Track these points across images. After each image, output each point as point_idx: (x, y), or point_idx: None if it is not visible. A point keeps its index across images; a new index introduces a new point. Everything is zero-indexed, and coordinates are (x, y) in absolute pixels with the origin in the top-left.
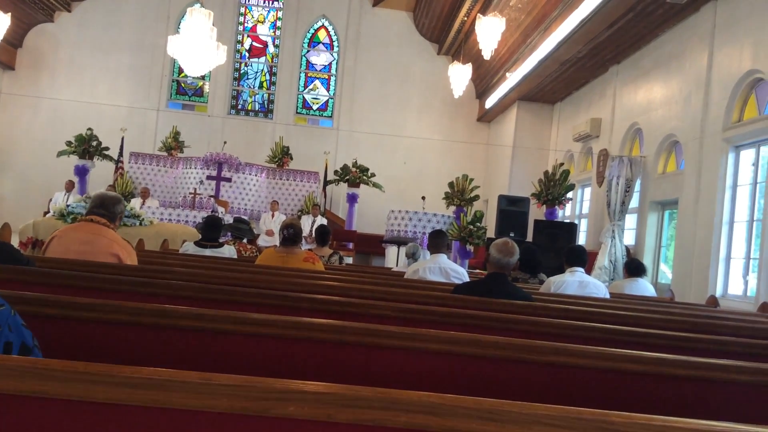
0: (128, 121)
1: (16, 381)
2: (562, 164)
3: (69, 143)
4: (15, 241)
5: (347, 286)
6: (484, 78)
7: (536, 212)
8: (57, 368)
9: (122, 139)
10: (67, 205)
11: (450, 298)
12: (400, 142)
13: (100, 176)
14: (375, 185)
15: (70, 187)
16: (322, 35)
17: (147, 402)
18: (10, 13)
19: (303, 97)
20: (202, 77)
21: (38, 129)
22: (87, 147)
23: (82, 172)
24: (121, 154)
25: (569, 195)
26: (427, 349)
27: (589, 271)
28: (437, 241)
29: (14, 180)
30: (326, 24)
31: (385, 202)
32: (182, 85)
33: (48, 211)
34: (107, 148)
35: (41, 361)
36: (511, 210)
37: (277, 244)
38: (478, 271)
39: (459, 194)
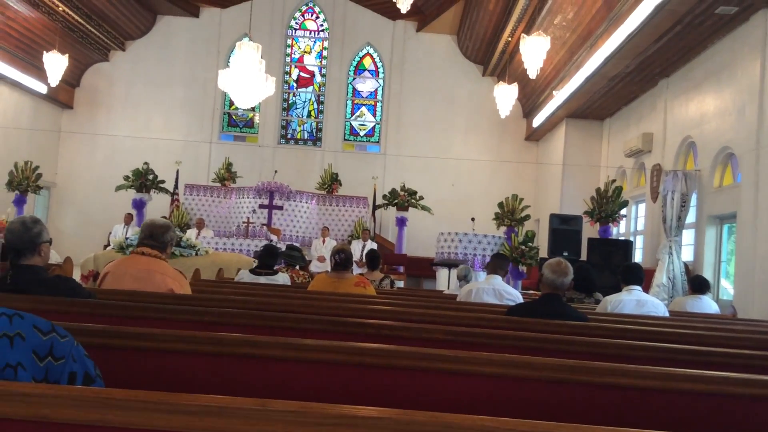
0: (182, 154)
1: (79, 410)
2: (614, 180)
3: (126, 177)
4: (77, 275)
5: (399, 309)
6: (531, 97)
7: (589, 230)
8: (118, 397)
9: (177, 171)
10: (126, 238)
11: (503, 320)
12: (447, 165)
13: (157, 209)
14: (424, 208)
15: (128, 220)
16: (367, 62)
17: (205, 429)
18: (67, 55)
19: (350, 123)
20: (252, 109)
21: (97, 165)
22: (144, 181)
23: (139, 205)
24: (176, 186)
25: (623, 212)
26: (480, 373)
27: (646, 289)
28: (498, 263)
29: (75, 215)
30: (371, 51)
31: (434, 225)
32: (233, 117)
33: (108, 244)
34: (163, 181)
35: (103, 390)
36: (564, 229)
37: (329, 269)
38: (531, 292)
39: (509, 214)
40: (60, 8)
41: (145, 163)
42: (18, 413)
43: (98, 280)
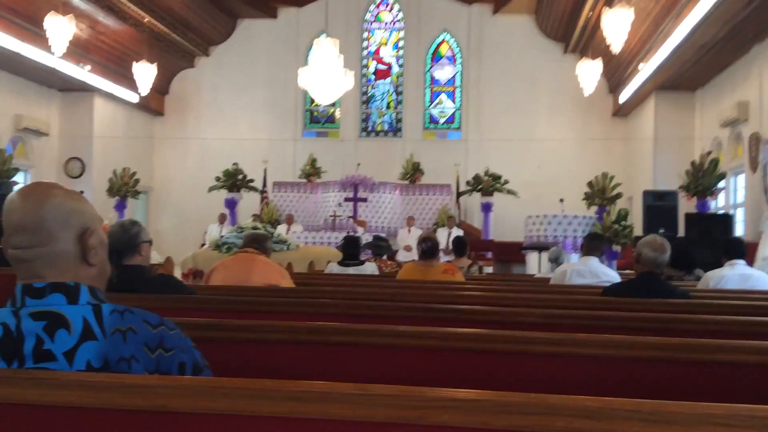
0: (268, 153)
1: (190, 399)
2: (710, 152)
3: (218, 179)
4: (177, 273)
5: (490, 295)
6: (616, 72)
7: (686, 206)
8: (226, 386)
9: (265, 170)
10: (221, 236)
11: (600, 301)
12: (531, 146)
13: (248, 207)
14: (509, 192)
15: (222, 219)
16: (444, 49)
17: (309, 414)
18: (155, 63)
19: (429, 112)
20: (333, 104)
21: (189, 168)
22: (234, 181)
23: (231, 204)
24: (264, 184)
25: (721, 184)
26: (578, 354)
27: (750, 264)
28: (593, 244)
29: (172, 216)
30: (447, 38)
31: (521, 209)
32: (315, 113)
33: (204, 243)
34: (252, 180)
35: (212, 379)
36: (658, 205)
37: (416, 258)
38: (628, 271)
39: (600, 193)
40: (146, 19)
41: (235, 164)
42: (135, 404)
43: (205, 277)
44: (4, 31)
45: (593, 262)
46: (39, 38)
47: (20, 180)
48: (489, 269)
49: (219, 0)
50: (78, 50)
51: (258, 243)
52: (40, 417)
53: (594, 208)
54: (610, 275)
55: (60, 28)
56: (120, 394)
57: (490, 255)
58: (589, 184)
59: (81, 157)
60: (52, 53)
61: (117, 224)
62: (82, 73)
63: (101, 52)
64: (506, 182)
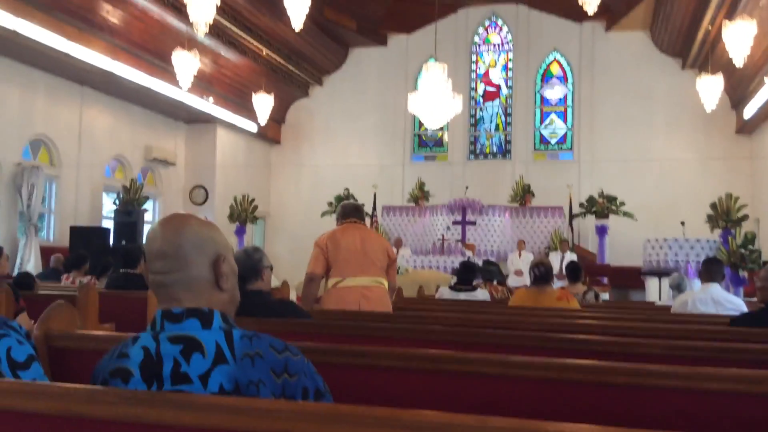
0: (378, 178)
1: (313, 424)
2: None
3: (330, 204)
4: (293, 296)
5: (607, 323)
6: (739, 87)
7: None
8: (347, 412)
9: (374, 195)
10: None
11: (728, 331)
12: (648, 166)
13: None
14: (626, 214)
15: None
16: (555, 69)
17: None
18: (273, 94)
19: (540, 133)
20: (441, 128)
21: (303, 194)
22: None
23: None
24: (374, 208)
25: None
26: (705, 390)
27: None
28: (711, 269)
29: (288, 241)
30: (558, 57)
31: (638, 231)
32: (423, 137)
33: None
34: (363, 204)
35: (333, 405)
36: None
37: (528, 283)
38: (756, 299)
39: (724, 215)
40: (264, 52)
41: (346, 189)
42: (263, 427)
43: (324, 243)
44: (136, 67)
45: (715, 288)
46: (167, 73)
47: (149, 208)
48: (605, 296)
49: (332, 31)
50: (202, 83)
51: (359, 213)
52: None
53: (718, 232)
54: (735, 303)
55: (186, 63)
56: (250, 417)
57: (606, 280)
58: (712, 205)
59: (204, 185)
60: (179, 87)
61: (241, 250)
62: (206, 105)
63: (223, 85)
64: (622, 204)
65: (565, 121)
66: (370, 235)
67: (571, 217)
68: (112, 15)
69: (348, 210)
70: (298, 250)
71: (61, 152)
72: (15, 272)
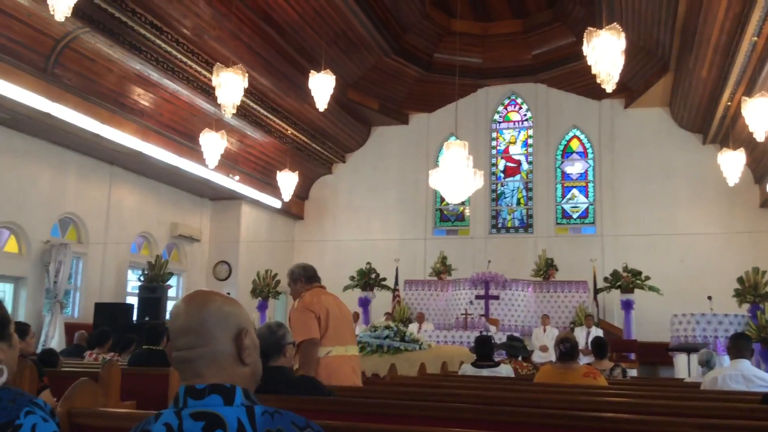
0: (400, 252)
1: None
2: None
3: (352, 278)
4: None
5: (636, 401)
6: (762, 160)
7: None
8: None
9: (396, 269)
10: (357, 336)
11: (760, 409)
12: (672, 240)
13: (381, 305)
14: (651, 289)
15: (355, 318)
16: (575, 145)
17: None
18: (297, 172)
19: (561, 207)
20: (462, 203)
21: (326, 268)
22: (367, 280)
23: (365, 303)
24: (396, 283)
25: None
26: None
27: None
28: (740, 345)
29: None
30: (578, 133)
31: (664, 306)
32: (444, 212)
33: None
34: (384, 279)
35: None
36: None
37: (553, 359)
38: None
39: (751, 290)
40: (289, 131)
41: (368, 263)
42: None
43: (310, 306)
44: (164, 147)
45: (744, 364)
46: (194, 152)
47: (174, 284)
48: (633, 372)
49: (355, 110)
50: (228, 162)
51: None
52: None
53: (746, 306)
54: (765, 379)
55: (213, 144)
56: None
57: (633, 356)
58: (740, 279)
59: (228, 261)
60: (206, 166)
61: (264, 326)
62: (232, 183)
63: (248, 163)
64: (647, 278)
65: (586, 195)
66: (341, 302)
67: (596, 291)
68: (143, 98)
69: (313, 273)
70: None
71: (89, 230)
72: (39, 348)
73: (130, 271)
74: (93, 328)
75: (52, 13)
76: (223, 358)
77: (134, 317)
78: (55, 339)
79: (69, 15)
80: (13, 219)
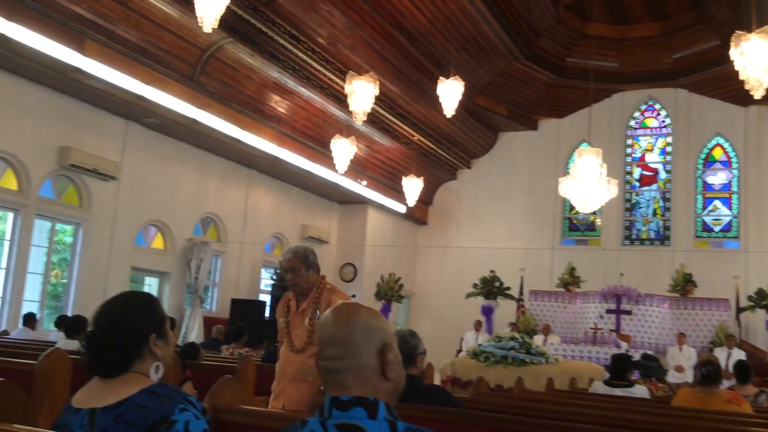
0: (525, 261)
1: None
2: None
3: (475, 285)
4: (437, 379)
5: None
6: None
7: None
8: None
9: (521, 278)
10: (479, 345)
11: None
12: None
13: (504, 315)
14: None
15: (477, 326)
16: (717, 153)
17: None
18: (422, 177)
19: (702, 219)
20: (593, 212)
21: (448, 274)
22: (491, 288)
23: (487, 311)
24: (521, 292)
25: None
26: None
27: None
28: None
29: (430, 322)
30: (721, 141)
31: None
32: (574, 221)
33: (460, 350)
34: (508, 288)
35: None
36: None
37: (689, 380)
38: None
39: None
40: (415, 137)
41: (492, 271)
42: None
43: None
44: (298, 152)
45: None
46: (325, 158)
47: None
48: None
49: (482, 116)
50: (356, 167)
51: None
52: None
53: None
54: None
55: (343, 150)
56: None
57: None
58: None
59: (354, 263)
60: (336, 171)
61: (398, 335)
62: (360, 188)
63: (375, 168)
64: None
65: (729, 207)
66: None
67: (739, 310)
68: (280, 105)
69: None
70: (441, 331)
71: (227, 229)
72: (180, 340)
73: (263, 270)
74: (228, 323)
75: (200, 24)
76: (367, 371)
77: (266, 314)
78: (194, 332)
79: (216, 26)
80: (161, 218)
